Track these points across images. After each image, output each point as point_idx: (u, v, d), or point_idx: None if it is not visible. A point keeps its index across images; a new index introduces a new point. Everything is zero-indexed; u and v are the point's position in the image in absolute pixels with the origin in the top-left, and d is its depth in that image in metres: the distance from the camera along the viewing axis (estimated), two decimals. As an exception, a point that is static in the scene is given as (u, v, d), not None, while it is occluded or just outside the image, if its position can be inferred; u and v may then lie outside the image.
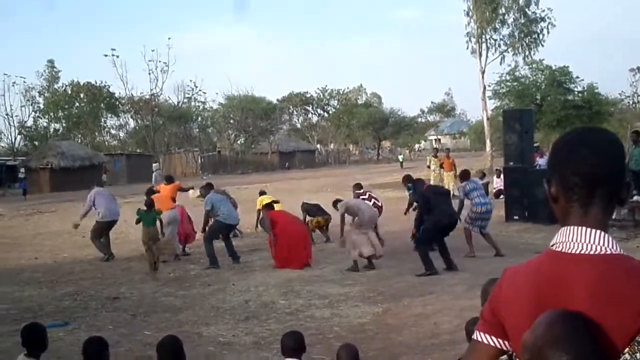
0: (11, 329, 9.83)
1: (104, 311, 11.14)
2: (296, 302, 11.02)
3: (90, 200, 16.96)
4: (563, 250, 1.89)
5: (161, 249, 15.12)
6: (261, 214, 17.60)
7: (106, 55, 73.09)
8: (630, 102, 74.54)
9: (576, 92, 44.97)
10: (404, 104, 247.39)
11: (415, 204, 15.74)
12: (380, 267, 13.68)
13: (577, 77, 44.98)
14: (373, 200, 16.45)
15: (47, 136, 77.74)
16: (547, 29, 46.36)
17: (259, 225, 18.77)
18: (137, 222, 15.14)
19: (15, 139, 76.37)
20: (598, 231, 1.88)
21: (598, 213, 1.91)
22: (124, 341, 9.01)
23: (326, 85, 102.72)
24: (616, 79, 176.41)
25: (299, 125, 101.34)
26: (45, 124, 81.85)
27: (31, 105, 78.43)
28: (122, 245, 18.45)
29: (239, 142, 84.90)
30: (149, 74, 73.76)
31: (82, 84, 79.52)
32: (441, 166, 29.20)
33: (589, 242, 1.86)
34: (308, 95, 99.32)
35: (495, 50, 46.93)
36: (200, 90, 78.75)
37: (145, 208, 15.14)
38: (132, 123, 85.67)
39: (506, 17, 46.49)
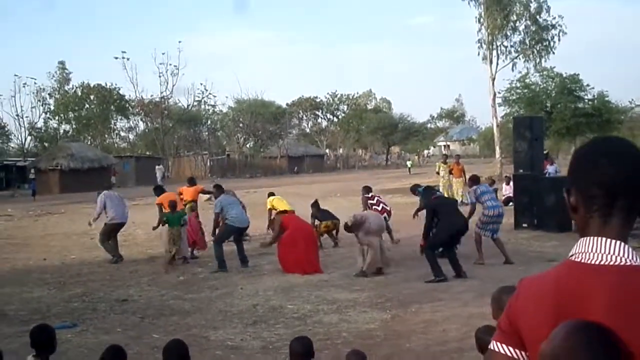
0: (19, 330, 9.85)
1: (112, 313, 11.14)
2: (304, 307, 11.00)
3: (102, 203, 16.95)
4: (582, 261, 1.87)
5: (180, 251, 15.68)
6: (272, 214, 17.61)
7: (117, 58, 73.61)
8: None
9: (586, 100, 44.95)
10: (413, 110, 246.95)
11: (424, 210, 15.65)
12: (388, 273, 13.65)
13: (588, 85, 44.99)
14: (382, 204, 16.46)
15: (57, 137, 78.11)
16: (558, 36, 46.40)
17: (269, 228, 18.64)
18: (164, 223, 15.72)
19: (25, 139, 76.79)
20: (618, 242, 1.86)
21: (618, 224, 1.89)
22: (132, 344, 8.99)
23: (336, 90, 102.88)
24: (627, 87, 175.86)
25: (308, 130, 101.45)
26: (55, 126, 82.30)
27: (42, 106, 78.78)
28: (130, 248, 18.47)
29: (248, 145, 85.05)
30: (159, 76, 74.17)
31: (92, 85, 79.96)
32: (450, 172, 29.14)
33: (609, 252, 1.85)
34: (318, 100, 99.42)
35: (506, 57, 46.97)
36: (210, 93, 79.06)
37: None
38: (141, 125, 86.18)
39: (517, 24, 46.53)
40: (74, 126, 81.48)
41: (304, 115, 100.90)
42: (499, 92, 46.07)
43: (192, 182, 18.87)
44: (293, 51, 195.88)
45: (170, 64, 71.74)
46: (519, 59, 47.05)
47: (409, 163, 69.81)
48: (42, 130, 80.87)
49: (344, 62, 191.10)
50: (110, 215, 16.85)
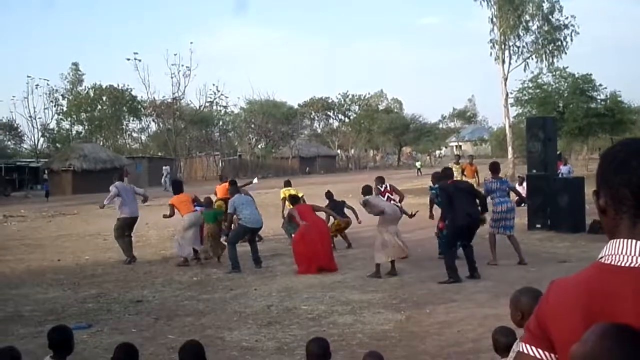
0: (35, 331, 9.91)
1: (127, 314, 11.17)
2: (318, 307, 10.99)
3: (114, 192, 16.74)
4: (612, 263, 1.86)
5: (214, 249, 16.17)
6: (286, 203, 17.63)
7: (128, 59, 73.94)
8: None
9: (599, 100, 44.73)
10: (425, 110, 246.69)
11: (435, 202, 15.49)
12: (402, 273, 13.64)
13: (600, 85, 44.78)
14: (392, 201, 16.41)
15: (69, 138, 78.47)
16: (571, 36, 46.27)
17: (284, 217, 18.48)
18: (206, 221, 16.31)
19: (38, 141, 77.15)
20: None
21: None
22: (147, 345, 9.03)
23: (347, 91, 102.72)
24: None
25: (319, 131, 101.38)
26: (67, 127, 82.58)
27: (54, 107, 79.13)
28: (144, 249, 18.53)
29: (259, 146, 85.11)
30: (171, 77, 74.33)
31: (104, 87, 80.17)
32: (462, 173, 29.08)
33: (639, 254, 1.84)
34: (329, 101, 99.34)
35: (518, 58, 46.86)
36: (221, 94, 79.14)
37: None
38: (153, 126, 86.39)
39: (530, 24, 46.42)
40: (86, 127, 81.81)
41: (316, 116, 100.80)
42: (511, 93, 46.01)
43: (223, 179, 19.18)
44: (304, 52, 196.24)
45: (182, 65, 71.94)
46: (532, 59, 46.97)
47: (417, 164, 68.97)
48: (55, 132, 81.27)
49: (355, 63, 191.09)
50: (122, 210, 16.81)
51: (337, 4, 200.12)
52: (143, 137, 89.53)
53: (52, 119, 79.75)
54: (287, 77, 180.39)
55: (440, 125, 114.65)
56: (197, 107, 79.19)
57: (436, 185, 15.71)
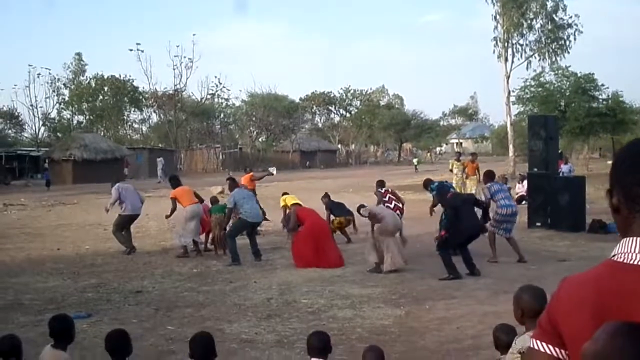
0: (35, 319, 9.92)
1: (126, 304, 11.18)
2: (318, 301, 11.00)
3: (117, 193, 16.93)
4: (625, 261, 1.86)
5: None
6: (287, 209, 17.63)
7: (131, 50, 73.80)
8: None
9: (601, 100, 44.73)
10: (425, 106, 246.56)
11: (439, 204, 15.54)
12: (402, 269, 13.61)
13: (602, 85, 44.78)
14: (394, 202, 16.38)
15: (70, 128, 78.40)
16: (574, 35, 46.27)
17: (284, 225, 18.60)
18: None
19: (38, 130, 77.16)
20: None
21: None
22: (147, 335, 9.04)
23: (349, 86, 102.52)
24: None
25: (320, 125, 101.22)
26: (68, 116, 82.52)
27: (56, 96, 79.06)
28: (144, 240, 18.54)
29: (260, 139, 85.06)
30: (173, 69, 74.45)
31: (106, 77, 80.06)
32: (464, 170, 29.08)
33: None
34: (331, 95, 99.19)
35: (521, 56, 46.86)
36: (223, 86, 79.07)
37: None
38: (154, 117, 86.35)
39: (534, 22, 46.40)
40: (87, 117, 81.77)
41: (317, 110, 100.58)
42: (514, 91, 46.02)
43: (247, 170, 20.62)
44: (306, 46, 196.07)
45: (184, 57, 71.90)
46: (534, 57, 46.99)
47: (415, 160, 68.57)
48: (56, 121, 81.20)
49: (357, 58, 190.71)
50: (125, 207, 16.87)
51: (338, 4, 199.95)
52: (144, 128, 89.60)
53: (53, 108, 79.89)
54: (289, 71, 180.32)
55: (441, 122, 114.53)
56: (199, 99, 79.22)
57: (435, 184, 15.77)
